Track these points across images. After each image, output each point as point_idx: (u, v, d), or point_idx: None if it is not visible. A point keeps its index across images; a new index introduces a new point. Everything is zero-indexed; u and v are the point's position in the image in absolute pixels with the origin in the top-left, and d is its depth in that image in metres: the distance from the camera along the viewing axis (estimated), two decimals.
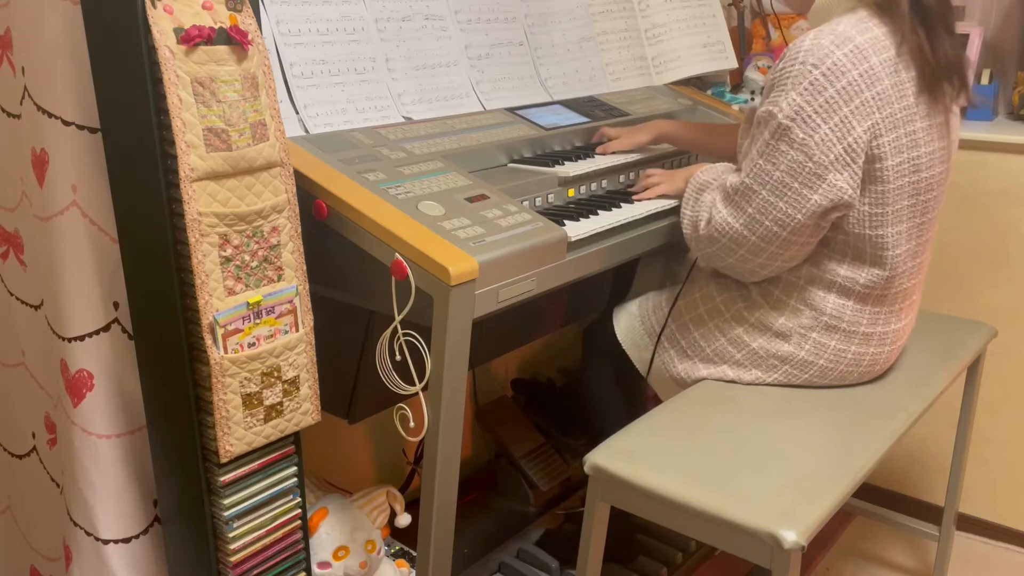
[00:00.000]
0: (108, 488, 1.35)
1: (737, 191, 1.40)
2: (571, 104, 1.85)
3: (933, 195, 1.46)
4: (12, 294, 1.50)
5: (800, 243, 1.40)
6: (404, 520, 1.49)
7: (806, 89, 1.33)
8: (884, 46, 1.36)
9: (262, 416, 1.19)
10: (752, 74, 2.30)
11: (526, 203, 1.45)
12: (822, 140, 1.33)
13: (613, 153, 1.72)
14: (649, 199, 1.58)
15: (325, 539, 1.39)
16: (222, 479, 1.20)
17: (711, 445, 1.35)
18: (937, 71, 1.40)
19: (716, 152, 1.74)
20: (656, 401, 1.55)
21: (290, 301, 1.20)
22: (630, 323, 1.67)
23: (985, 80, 2.17)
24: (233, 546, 1.23)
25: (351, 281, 1.30)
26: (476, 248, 1.23)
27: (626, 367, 1.67)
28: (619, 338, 1.67)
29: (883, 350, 1.52)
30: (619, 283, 1.83)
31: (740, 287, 1.54)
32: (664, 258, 1.73)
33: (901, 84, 1.37)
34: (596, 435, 1.42)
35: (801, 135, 1.33)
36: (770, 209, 1.37)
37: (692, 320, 1.57)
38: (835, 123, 1.32)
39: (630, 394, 1.74)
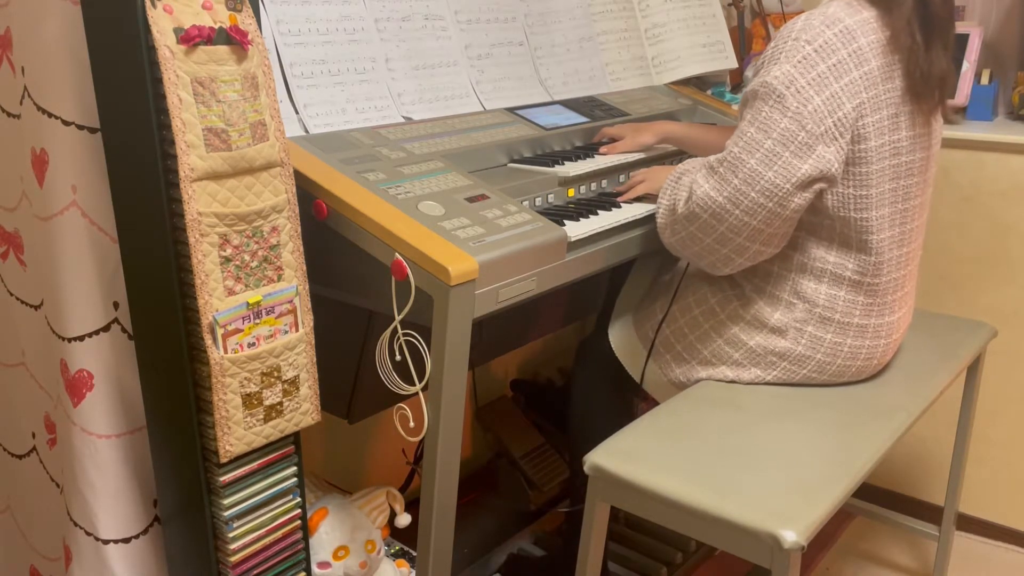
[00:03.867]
0: (108, 488, 1.35)
1: (723, 162, 1.38)
2: (571, 104, 1.85)
3: (914, 181, 1.47)
4: (12, 294, 1.50)
5: (784, 217, 1.37)
6: (404, 520, 1.49)
7: (799, 62, 1.35)
8: (872, 28, 1.39)
9: (262, 416, 1.19)
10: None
11: (526, 203, 1.45)
12: (815, 111, 1.34)
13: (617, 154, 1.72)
14: (631, 199, 1.57)
15: (325, 539, 1.39)
16: (222, 479, 1.20)
17: (711, 445, 1.35)
18: (928, 79, 1.42)
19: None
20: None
21: (290, 301, 1.20)
22: (624, 331, 1.66)
23: (985, 80, 2.17)
24: (233, 546, 1.23)
25: (351, 281, 1.30)
26: (476, 248, 1.22)
27: (620, 378, 1.66)
28: (613, 347, 1.66)
29: (879, 343, 1.52)
30: (617, 284, 1.83)
31: (734, 286, 1.54)
32: (656, 265, 1.73)
33: (888, 66, 1.40)
34: (587, 445, 1.39)
35: (795, 104, 1.34)
36: (757, 179, 1.34)
37: (687, 324, 1.57)
38: (826, 97, 1.35)
39: (623, 405, 1.74)
